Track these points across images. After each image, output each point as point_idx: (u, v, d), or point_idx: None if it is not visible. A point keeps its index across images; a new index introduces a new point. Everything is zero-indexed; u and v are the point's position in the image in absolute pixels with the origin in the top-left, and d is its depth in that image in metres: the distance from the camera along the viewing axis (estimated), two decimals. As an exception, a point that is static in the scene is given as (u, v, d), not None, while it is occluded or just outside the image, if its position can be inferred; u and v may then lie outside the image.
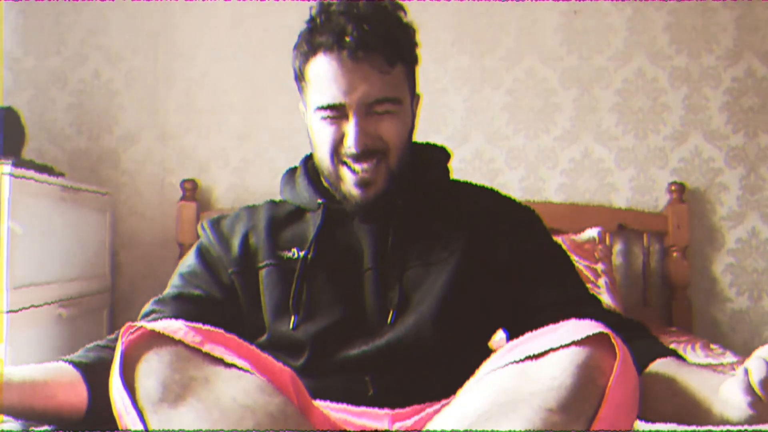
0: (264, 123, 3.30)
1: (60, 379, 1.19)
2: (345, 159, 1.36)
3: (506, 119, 3.31)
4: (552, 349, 1.05)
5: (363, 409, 1.28)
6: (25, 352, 2.46)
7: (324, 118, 1.36)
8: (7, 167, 2.36)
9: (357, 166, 1.35)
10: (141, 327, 1.11)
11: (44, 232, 2.61)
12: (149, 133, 3.33)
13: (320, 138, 1.38)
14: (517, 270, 1.40)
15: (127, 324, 1.13)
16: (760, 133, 3.28)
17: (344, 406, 1.29)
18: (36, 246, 2.54)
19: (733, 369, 2.30)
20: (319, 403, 1.27)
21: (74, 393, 1.19)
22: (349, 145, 1.34)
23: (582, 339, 1.04)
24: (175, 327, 1.12)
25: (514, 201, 1.52)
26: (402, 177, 1.39)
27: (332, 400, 1.30)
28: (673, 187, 3.19)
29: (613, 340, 1.05)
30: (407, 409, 1.28)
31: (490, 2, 3.29)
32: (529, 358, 1.07)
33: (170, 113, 3.33)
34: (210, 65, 3.33)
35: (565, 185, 3.28)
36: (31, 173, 2.53)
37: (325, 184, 1.45)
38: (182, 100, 3.33)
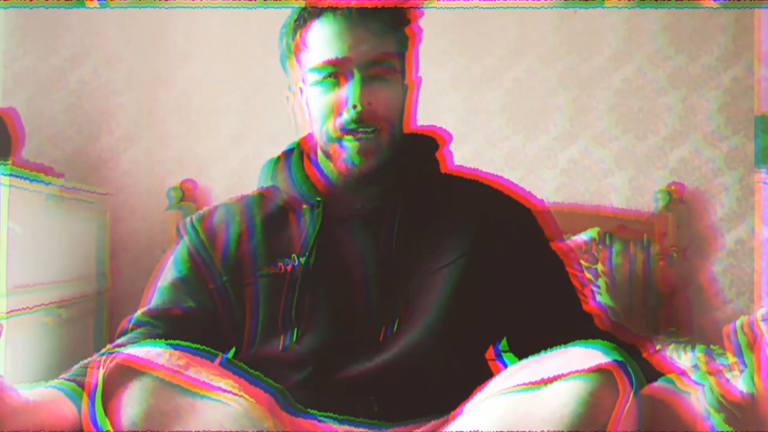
0: (261, 124, 3.29)
1: (66, 398, 1.15)
2: (345, 127, 1.31)
3: (504, 120, 3.30)
4: (561, 375, 1.04)
5: (361, 429, 1.26)
6: (22, 353, 2.46)
7: (322, 81, 1.32)
8: (3, 169, 2.36)
9: (356, 129, 1.30)
10: (123, 354, 1.08)
11: (41, 234, 2.60)
12: (147, 134, 3.32)
13: (316, 107, 1.34)
14: (513, 279, 1.36)
15: (109, 353, 1.10)
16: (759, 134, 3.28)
17: (341, 425, 1.26)
18: (33, 248, 2.54)
19: (733, 370, 2.30)
20: (309, 422, 1.25)
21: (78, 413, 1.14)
22: (351, 103, 1.30)
23: (591, 369, 1.03)
24: (158, 352, 1.09)
25: (511, 202, 1.46)
26: (394, 156, 1.35)
27: (333, 413, 1.27)
28: (671, 188, 3.19)
29: (616, 377, 1.03)
30: (407, 428, 1.26)
31: (487, 3, 3.29)
32: (538, 382, 1.05)
33: (168, 115, 3.33)
34: (207, 67, 3.33)
35: (563, 186, 3.28)
36: (27, 175, 2.52)
37: (317, 172, 1.40)
38: (180, 101, 3.33)
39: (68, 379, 1.21)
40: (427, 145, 1.47)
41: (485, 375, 1.19)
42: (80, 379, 1.20)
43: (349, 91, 1.30)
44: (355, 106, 1.29)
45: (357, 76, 1.30)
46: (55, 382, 1.21)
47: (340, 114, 1.31)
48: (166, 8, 3.32)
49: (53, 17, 3.33)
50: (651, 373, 1.23)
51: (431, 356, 1.29)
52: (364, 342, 1.30)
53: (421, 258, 1.34)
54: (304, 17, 1.34)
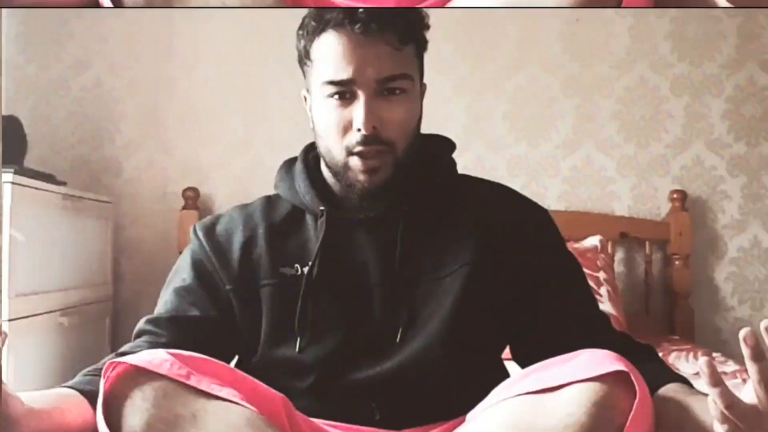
0: (265, 131, 3.29)
1: (70, 406, 1.14)
2: (353, 149, 1.28)
3: (507, 127, 3.31)
4: (569, 382, 1.03)
5: (368, 430, 1.26)
6: (26, 361, 2.46)
7: (330, 96, 1.28)
8: (8, 176, 2.36)
9: (365, 150, 1.27)
10: (125, 362, 1.07)
11: (45, 240, 2.60)
12: (150, 141, 3.33)
13: (325, 124, 1.30)
14: (527, 281, 1.34)
15: (111, 361, 1.09)
16: (762, 141, 3.28)
17: (348, 426, 1.26)
18: (37, 254, 2.54)
19: (735, 377, 2.30)
20: (320, 423, 1.25)
21: (83, 420, 1.14)
22: (358, 126, 1.26)
23: (597, 377, 1.02)
24: (160, 360, 1.08)
25: (526, 202, 1.45)
26: (408, 168, 1.32)
27: (336, 421, 1.26)
28: (674, 195, 3.19)
29: (633, 379, 1.02)
30: (413, 431, 1.26)
31: (491, 11, 3.29)
32: (543, 390, 1.04)
33: (171, 121, 3.33)
34: (210, 73, 3.33)
35: (567, 193, 3.28)
36: (32, 182, 2.53)
37: (328, 179, 1.38)
38: (183, 108, 3.33)
39: (69, 387, 1.20)
40: (444, 146, 1.45)
41: (491, 382, 1.18)
42: (81, 387, 1.19)
43: (354, 114, 1.27)
44: (359, 130, 1.26)
45: (362, 98, 1.26)
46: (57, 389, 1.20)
47: (349, 133, 1.28)
48: (177, 8, 3.33)
49: (56, 25, 3.33)
50: (669, 373, 1.22)
51: (434, 364, 1.28)
52: (368, 350, 1.29)
53: (426, 266, 1.33)
54: (310, 30, 1.30)
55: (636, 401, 1.01)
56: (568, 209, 3.25)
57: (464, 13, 3.26)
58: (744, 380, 2.25)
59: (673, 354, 2.61)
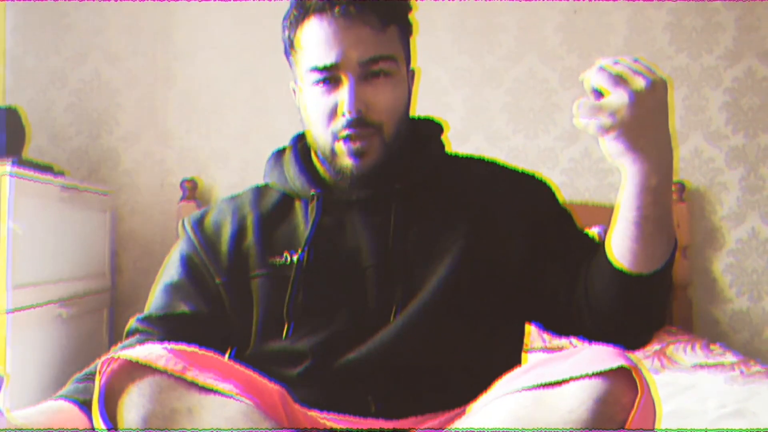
0: (264, 122, 3.30)
1: (64, 420, 1.14)
2: (340, 134, 1.28)
3: (506, 119, 3.31)
4: (571, 378, 1.03)
5: (365, 420, 1.25)
6: (26, 352, 2.46)
7: (317, 83, 1.29)
8: (8, 167, 2.36)
9: (352, 134, 1.28)
10: (121, 357, 1.07)
11: (45, 231, 2.60)
12: (150, 132, 3.33)
13: (313, 110, 1.31)
14: (527, 247, 1.34)
15: (107, 357, 1.09)
16: (760, 133, 3.28)
17: (345, 417, 1.26)
18: (37, 245, 2.54)
19: (734, 369, 2.30)
20: (317, 414, 1.25)
21: None
22: (345, 110, 1.27)
23: (607, 370, 1.01)
24: (157, 354, 1.08)
25: (516, 171, 1.44)
26: (398, 151, 1.33)
27: (333, 411, 1.26)
28: (673, 187, 3.18)
29: (635, 376, 1.01)
30: (410, 420, 1.25)
31: (490, 2, 3.29)
32: (545, 385, 1.04)
33: (170, 113, 3.33)
34: (210, 65, 3.33)
35: (565, 185, 3.28)
36: (32, 173, 2.53)
37: (319, 166, 1.38)
38: (182, 99, 3.33)
39: (64, 397, 1.20)
40: (433, 128, 1.45)
41: (491, 372, 1.18)
42: (75, 396, 1.19)
43: (340, 99, 1.28)
44: (348, 113, 1.27)
45: (349, 81, 1.27)
46: (49, 401, 1.20)
47: (336, 118, 1.29)
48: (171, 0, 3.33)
49: (56, 16, 3.33)
50: None
51: (429, 338, 1.27)
52: (364, 332, 1.29)
53: (420, 243, 1.33)
54: (295, 16, 1.31)
55: (638, 397, 1.01)
56: (568, 201, 3.25)
57: (464, 4, 3.26)
58: (742, 372, 2.26)
59: (672, 346, 2.61)
